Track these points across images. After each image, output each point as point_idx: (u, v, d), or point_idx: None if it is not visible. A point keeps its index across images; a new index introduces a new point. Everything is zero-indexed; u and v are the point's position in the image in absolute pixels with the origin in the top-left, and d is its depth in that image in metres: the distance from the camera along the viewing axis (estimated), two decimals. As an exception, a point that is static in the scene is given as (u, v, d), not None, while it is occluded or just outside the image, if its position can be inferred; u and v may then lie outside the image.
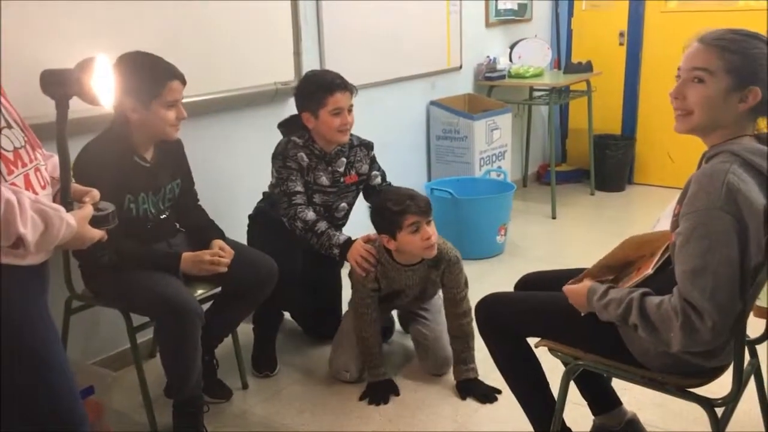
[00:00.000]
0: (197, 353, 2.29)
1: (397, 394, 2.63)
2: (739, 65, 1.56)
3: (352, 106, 2.79)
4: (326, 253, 2.70)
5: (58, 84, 1.43)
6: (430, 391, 2.65)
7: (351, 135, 2.92)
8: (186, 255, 2.33)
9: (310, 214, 2.72)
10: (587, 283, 1.77)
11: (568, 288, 1.80)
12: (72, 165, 2.22)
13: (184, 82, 2.30)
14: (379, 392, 2.62)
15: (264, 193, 2.96)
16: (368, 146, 2.97)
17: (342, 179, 2.87)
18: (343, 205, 2.91)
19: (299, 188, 2.75)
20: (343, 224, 2.98)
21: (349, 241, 2.68)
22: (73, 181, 1.61)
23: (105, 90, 1.48)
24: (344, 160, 2.87)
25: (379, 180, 2.97)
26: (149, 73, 2.22)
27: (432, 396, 2.62)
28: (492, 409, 2.51)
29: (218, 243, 2.41)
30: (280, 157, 2.77)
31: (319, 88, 2.73)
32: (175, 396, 2.38)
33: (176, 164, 2.48)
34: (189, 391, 2.35)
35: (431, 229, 2.52)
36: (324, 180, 2.82)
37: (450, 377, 2.70)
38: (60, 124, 1.45)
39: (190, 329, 2.22)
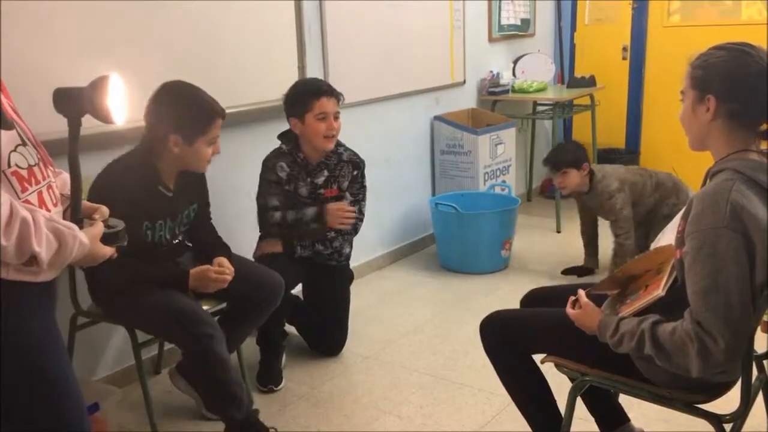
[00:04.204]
0: (228, 367, 2.28)
1: None
2: (699, 77, 1.62)
3: (338, 113, 2.82)
4: (311, 235, 2.83)
5: (71, 102, 1.44)
6: (436, 409, 2.64)
7: (346, 149, 2.94)
8: (192, 272, 2.33)
9: (276, 215, 2.81)
10: (595, 312, 1.76)
11: (574, 314, 1.79)
12: (92, 183, 2.24)
13: (224, 118, 2.31)
14: None
15: None
16: (357, 165, 2.97)
17: (321, 191, 2.89)
18: (310, 210, 2.88)
19: (275, 202, 2.82)
20: (335, 236, 2.96)
21: (322, 212, 2.82)
22: (83, 198, 1.61)
23: (117, 108, 1.49)
24: (326, 172, 2.89)
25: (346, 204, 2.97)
26: (198, 111, 2.23)
27: (436, 411, 2.61)
28: (499, 425, 2.50)
29: (218, 260, 2.41)
30: (263, 168, 2.85)
31: (305, 93, 2.77)
32: (234, 417, 2.29)
33: (196, 191, 2.49)
34: (245, 409, 2.30)
35: None
36: (303, 191, 2.86)
37: (452, 390, 2.70)
38: (72, 141, 1.46)
39: (214, 343, 2.22)
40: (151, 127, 2.27)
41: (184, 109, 2.22)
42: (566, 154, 3.57)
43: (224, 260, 2.43)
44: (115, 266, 2.05)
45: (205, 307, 2.46)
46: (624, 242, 3.51)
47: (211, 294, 2.40)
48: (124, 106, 1.51)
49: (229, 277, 2.36)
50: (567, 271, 3.84)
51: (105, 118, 1.48)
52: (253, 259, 2.83)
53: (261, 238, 2.96)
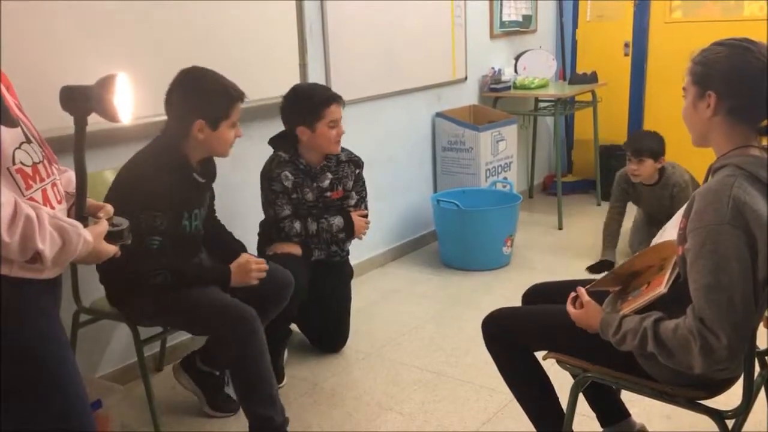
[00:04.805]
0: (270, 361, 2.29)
1: None
2: (699, 73, 1.62)
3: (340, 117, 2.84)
4: (333, 242, 2.90)
5: (78, 100, 1.44)
6: (438, 406, 2.64)
7: (342, 149, 2.95)
8: (232, 266, 2.34)
9: (296, 225, 2.81)
10: (597, 310, 1.76)
11: (575, 313, 1.79)
12: (117, 179, 2.23)
13: (243, 101, 2.32)
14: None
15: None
16: (357, 164, 2.99)
17: (328, 194, 2.90)
18: (338, 220, 2.91)
19: (287, 212, 2.82)
20: (344, 240, 2.99)
21: (349, 221, 2.88)
22: (104, 196, 1.62)
23: (124, 107, 1.49)
24: (329, 175, 2.90)
25: (353, 202, 2.99)
26: (219, 95, 2.23)
27: (438, 408, 2.61)
28: (501, 422, 2.50)
29: (246, 256, 2.41)
30: (266, 178, 2.82)
31: (314, 101, 2.77)
32: (270, 418, 2.26)
33: (212, 176, 2.50)
34: (281, 413, 2.29)
35: None
36: (309, 196, 2.87)
37: (453, 387, 2.70)
38: (78, 140, 1.46)
39: (263, 336, 2.24)
40: (175, 115, 2.27)
41: (206, 94, 2.22)
42: (650, 142, 3.63)
43: (250, 256, 2.42)
44: (156, 267, 2.06)
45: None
46: None
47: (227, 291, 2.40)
48: (130, 106, 1.51)
49: (266, 267, 2.37)
50: (592, 268, 3.78)
51: (112, 118, 1.48)
52: (257, 254, 2.84)
53: (263, 241, 2.95)
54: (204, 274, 2.33)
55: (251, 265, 2.33)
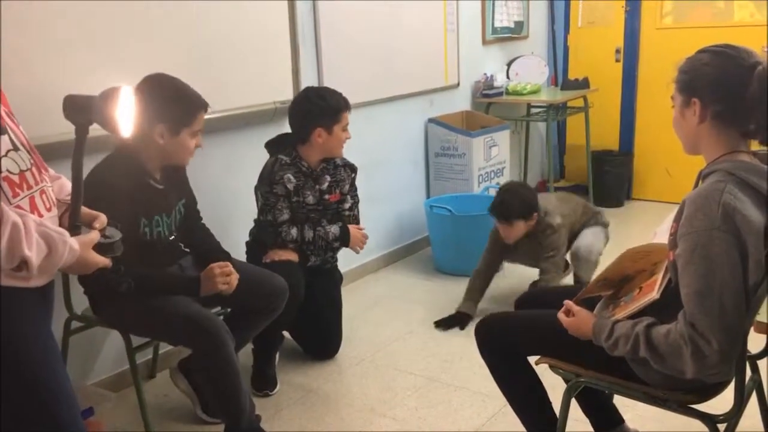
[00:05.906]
0: (239, 373, 2.27)
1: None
2: (684, 81, 1.64)
3: None
4: (329, 249, 2.92)
5: (80, 111, 1.44)
6: (431, 411, 2.64)
7: None
8: (201, 275, 2.31)
9: (293, 232, 2.83)
10: (589, 317, 1.76)
11: (567, 322, 1.79)
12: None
13: (207, 111, 2.31)
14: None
15: (255, 221, 2.98)
16: (352, 168, 3.02)
17: (327, 197, 2.92)
18: (334, 229, 2.92)
19: (286, 217, 2.82)
20: (338, 248, 3.00)
21: (345, 231, 2.90)
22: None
23: (126, 120, 1.49)
24: (328, 177, 2.92)
25: (348, 206, 3.00)
26: (183, 102, 2.23)
27: (431, 414, 2.61)
28: (494, 427, 2.50)
29: (212, 264, 2.35)
30: (266, 181, 2.82)
31: (333, 105, 2.83)
32: (239, 427, 2.29)
33: (181, 184, 2.48)
34: (248, 420, 2.30)
35: None
36: (310, 199, 2.88)
37: (447, 392, 2.70)
38: (77, 149, 1.46)
39: (229, 349, 2.21)
40: (137, 119, 2.26)
41: (169, 100, 2.21)
42: (517, 205, 3.21)
43: (223, 263, 2.39)
44: (123, 274, 2.05)
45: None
46: (551, 282, 3.27)
47: (217, 299, 2.39)
48: (131, 118, 1.51)
49: (235, 279, 2.34)
50: (442, 323, 3.31)
51: (113, 129, 1.48)
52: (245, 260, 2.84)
53: (254, 247, 2.95)
54: (172, 283, 2.31)
55: (214, 270, 2.30)
